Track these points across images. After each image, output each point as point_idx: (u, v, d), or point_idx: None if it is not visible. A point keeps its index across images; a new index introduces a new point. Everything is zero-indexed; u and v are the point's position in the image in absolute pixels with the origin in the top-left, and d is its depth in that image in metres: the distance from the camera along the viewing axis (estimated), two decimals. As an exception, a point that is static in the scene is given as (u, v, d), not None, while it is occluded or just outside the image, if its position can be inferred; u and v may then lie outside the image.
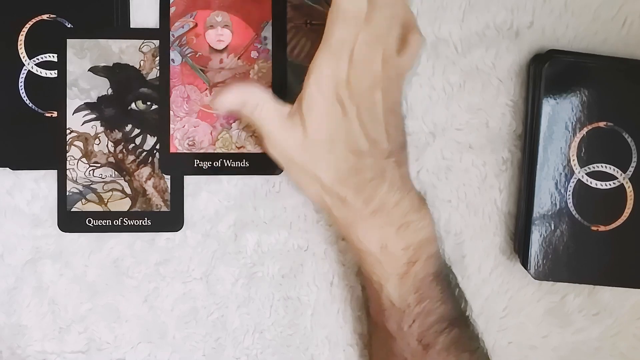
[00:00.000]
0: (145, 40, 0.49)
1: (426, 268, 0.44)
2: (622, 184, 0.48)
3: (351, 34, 0.40)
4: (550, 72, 0.47)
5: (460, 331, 0.45)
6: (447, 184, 0.50)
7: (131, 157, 0.49)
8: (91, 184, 0.49)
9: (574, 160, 0.48)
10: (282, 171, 0.49)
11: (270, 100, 0.43)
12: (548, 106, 0.47)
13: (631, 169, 0.48)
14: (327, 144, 0.42)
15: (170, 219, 0.49)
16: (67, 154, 0.49)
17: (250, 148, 0.49)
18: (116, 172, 0.49)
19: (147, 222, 0.49)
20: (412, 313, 0.43)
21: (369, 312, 0.47)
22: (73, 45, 0.49)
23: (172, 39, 0.49)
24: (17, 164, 0.49)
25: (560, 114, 0.48)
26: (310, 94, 0.42)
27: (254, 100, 0.43)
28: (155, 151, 0.49)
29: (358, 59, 0.41)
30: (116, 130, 0.49)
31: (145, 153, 0.49)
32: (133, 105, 0.49)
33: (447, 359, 0.44)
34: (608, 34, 0.49)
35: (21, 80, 0.49)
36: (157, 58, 0.49)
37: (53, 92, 0.49)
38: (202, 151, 0.49)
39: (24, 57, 0.49)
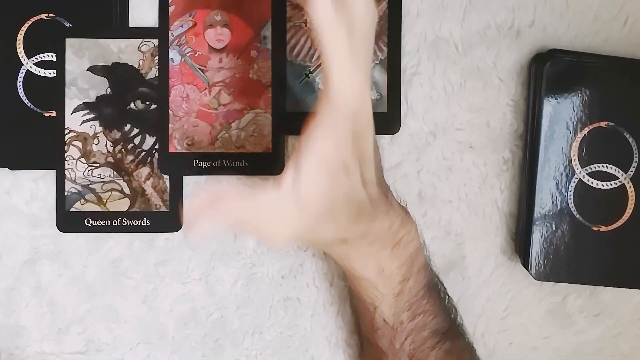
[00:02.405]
0: (144, 40, 0.49)
1: (419, 281, 0.43)
2: (623, 184, 0.48)
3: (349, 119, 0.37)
4: (551, 71, 0.47)
5: (452, 344, 0.44)
6: (447, 184, 0.50)
7: (130, 157, 0.49)
8: (90, 184, 0.49)
9: (575, 160, 0.48)
10: (282, 171, 0.49)
11: (242, 195, 0.38)
12: (549, 106, 0.47)
13: (632, 169, 0.48)
14: (328, 212, 0.38)
15: (169, 219, 0.49)
16: (66, 154, 0.49)
17: (250, 148, 0.49)
18: (115, 172, 0.49)
19: (146, 222, 0.49)
20: (405, 330, 0.43)
21: (360, 329, 0.47)
22: (72, 45, 0.49)
23: (171, 38, 0.49)
24: (15, 164, 0.49)
25: (561, 114, 0.47)
26: (311, 177, 0.37)
27: (230, 210, 0.38)
28: (154, 151, 0.49)
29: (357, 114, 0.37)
30: (115, 130, 0.49)
31: (144, 153, 0.49)
32: (132, 105, 0.49)
33: None
34: (609, 34, 0.49)
35: (20, 79, 0.49)
36: (156, 57, 0.49)
37: (52, 92, 0.49)
38: (201, 151, 0.49)
39: (22, 56, 0.49)
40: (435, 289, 0.44)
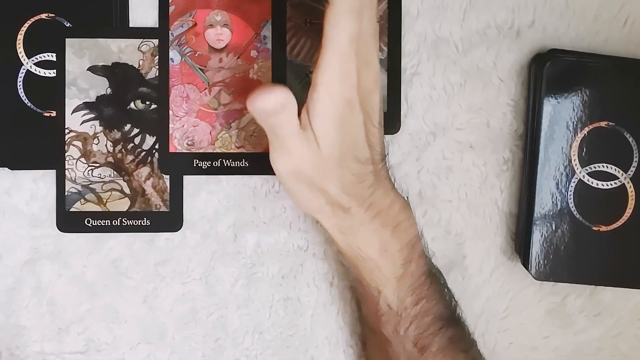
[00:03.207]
0: (145, 40, 0.49)
1: (420, 266, 0.44)
2: (624, 183, 0.48)
3: (357, 29, 0.38)
4: (551, 71, 0.47)
5: (454, 331, 0.44)
6: (447, 184, 0.50)
7: (130, 157, 0.49)
8: (90, 184, 0.49)
9: (575, 160, 0.48)
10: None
11: (296, 108, 0.40)
12: (549, 106, 0.47)
13: (632, 169, 0.48)
14: (338, 157, 0.40)
15: (169, 219, 0.49)
16: (66, 154, 0.49)
17: (250, 148, 0.49)
18: (115, 172, 0.49)
19: (146, 222, 0.49)
20: (410, 315, 0.43)
21: (365, 317, 0.47)
22: (72, 45, 0.49)
23: (171, 38, 0.49)
24: (15, 164, 0.49)
25: (561, 114, 0.47)
26: (322, 103, 0.39)
27: (291, 106, 0.39)
28: (154, 151, 0.49)
29: (362, 59, 0.40)
30: (115, 130, 0.49)
31: (144, 153, 0.49)
32: (132, 105, 0.49)
33: (446, 359, 0.43)
34: (609, 34, 0.49)
35: (20, 79, 0.49)
36: (156, 57, 0.49)
37: (52, 92, 0.49)
38: (201, 151, 0.49)
39: (22, 56, 0.49)
40: (435, 277, 0.45)
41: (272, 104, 0.39)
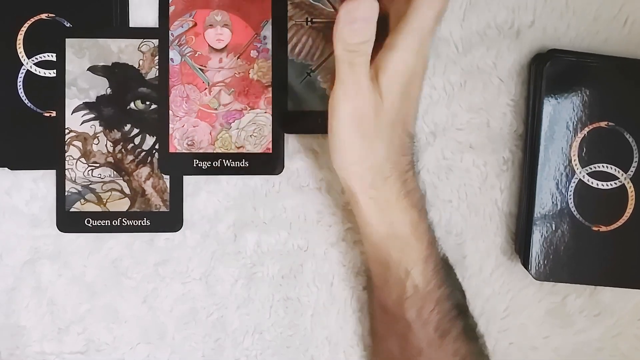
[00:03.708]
0: (145, 40, 0.49)
1: (439, 250, 0.46)
2: (624, 184, 0.48)
3: (444, 8, 0.41)
4: (551, 71, 0.47)
5: (466, 320, 0.46)
6: (447, 184, 0.50)
7: (130, 157, 0.49)
8: (90, 184, 0.49)
9: (575, 160, 0.48)
10: (282, 171, 0.49)
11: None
12: (549, 106, 0.47)
13: (632, 169, 0.48)
14: (394, 120, 0.43)
15: (169, 219, 0.49)
16: (66, 154, 0.49)
17: (250, 148, 0.49)
18: (115, 172, 0.49)
19: (146, 222, 0.49)
20: (433, 299, 0.44)
21: (383, 304, 0.46)
22: (72, 45, 0.49)
23: (171, 38, 0.49)
24: (15, 164, 0.49)
25: (561, 114, 0.47)
26: (395, 65, 0.41)
27: (374, 29, 0.40)
28: (154, 151, 0.49)
29: (432, 35, 0.42)
30: (115, 130, 0.49)
31: (144, 153, 0.49)
32: (132, 105, 0.49)
33: (461, 347, 0.44)
34: (609, 34, 0.49)
35: (20, 79, 0.49)
36: (156, 57, 0.49)
37: (52, 92, 0.49)
38: (201, 151, 0.49)
39: (22, 56, 0.49)
40: (449, 265, 0.47)
41: (367, 6, 0.39)
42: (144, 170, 0.49)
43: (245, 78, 0.49)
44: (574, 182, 0.48)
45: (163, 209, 0.49)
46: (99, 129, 0.49)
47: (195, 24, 0.49)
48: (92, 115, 0.49)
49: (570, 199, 0.48)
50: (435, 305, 0.44)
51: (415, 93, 0.44)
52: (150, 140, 0.49)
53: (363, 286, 0.50)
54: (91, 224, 0.49)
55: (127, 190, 0.49)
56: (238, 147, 0.49)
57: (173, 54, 0.49)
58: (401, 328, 0.45)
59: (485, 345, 0.47)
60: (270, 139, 0.49)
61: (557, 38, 0.49)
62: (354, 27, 0.39)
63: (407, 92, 0.42)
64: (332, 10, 0.49)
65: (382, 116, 0.42)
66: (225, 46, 0.49)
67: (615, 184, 0.48)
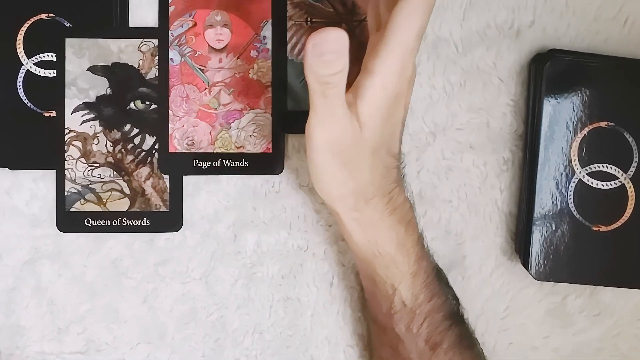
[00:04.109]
0: (144, 40, 0.49)
1: (430, 262, 0.45)
2: (623, 184, 0.48)
3: (424, 26, 0.39)
4: (551, 71, 0.47)
5: (461, 328, 0.45)
6: (447, 184, 0.50)
7: (130, 157, 0.49)
8: (90, 184, 0.49)
9: (575, 160, 0.48)
10: (282, 171, 0.49)
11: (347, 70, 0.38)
12: (549, 106, 0.47)
13: (632, 169, 0.48)
14: (375, 145, 0.41)
15: (169, 219, 0.49)
16: (66, 154, 0.49)
17: (250, 148, 0.49)
18: (115, 172, 0.49)
19: (146, 222, 0.49)
20: (423, 312, 0.44)
21: (374, 316, 0.47)
22: (72, 45, 0.49)
23: (171, 38, 0.49)
24: (15, 164, 0.49)
25: (561, 114, 0.47)
26: (374, 91, 0.39)
27: (346, 60, 0.37)
28: (154, 151, 0.49)
29: (414, 53, 0.40)
30: (115, 130, 0.49)
31: (144, 153, 0.49)
32: (132, 105, 0.49)
33: (453, 358, 0.44)
34: (609, 34, 0.49)
35: (20, 79, 0.49)
36: (156, 57, 0.49)
37: (52, 92, 0.49)
38: (201, 151, 0.49)
39: (22, 56, 0.49)
40: (441, 274, 0.46)
41: (335, 39, 0.36)
42: (144, 170, 0.49)
43: (245, 78, 0.49)
44: (574, 182, 0.48)
45: (163, 209, 0.49)
46: (99, 129, 0.49)
47: (195, 24, 0.49)
48: (92, 115, 0.49)
49: (570, 199, 0.48)
50: (424, 318, 0.43)
51: (399, 115, 0.42)
52: (150, 140, 0.49)
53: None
54: (91, 224, 0.49)
55: (127, 190, 0.49)
56: (238, 147, 0.49)
57: (173, 54, 0.49)
58: (391, 340, 0.44)
59: (482, 351, 0.47)
60: (270, 139, 0.49)
61: (557, 38, 0.49)
62: (324, 60, 0.37)
63: (389, 116, 0.41)
64: (332, 10, 0.49)
65: (361, 143, 0.40)
66: (225, 46, 0.49)
67: (615, 184, 0.48)
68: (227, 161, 0.49)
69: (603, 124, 0.48)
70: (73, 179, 0.49)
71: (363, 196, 0.42)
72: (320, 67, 0.37)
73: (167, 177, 0.49)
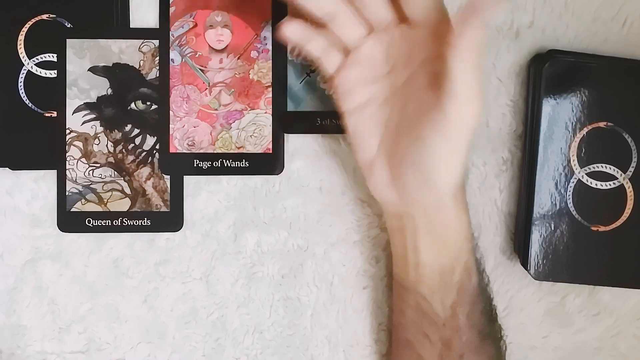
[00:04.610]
0: (145, 40, 0.49)
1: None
2: (622, 184, 0.48)
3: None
4: (550, 72, 0.47)
5: (497, 321, 0.47)
6: (447, 184, 0.50)
7: (131, 157, 0.49)
8: (91, 184, 0.49)
9: (574, 160, 0.48)
10: (282, 171, 0.49)
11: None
12: (548, 106, 0.47)
13: (631, 169, 0.48)
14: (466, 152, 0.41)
15: (170, 219, 0.49)
16: (67, 154, 0.49)
17: (250, 148, 0.49)
18: (116, 172, 0.49)
19: (146, 222, 0.49)
20: (481, 299, 0.44)
21: (430, 314, 0.44)
22: (73, 45, 0.49)
23: (171, 38, 0.49)
24: (16, 164, 0.49)
25: (560, 114, 0.48)
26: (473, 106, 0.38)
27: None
28: (155, 151, 0.49)
29: None
30: (116, 130, 0.49)
31: (144, 153, 0.49)
32: (133, 105, 0.49)
33: (491, 349, 0.45)
34: (608, 34, 0.49)
35: (21, 80, 0.49)
36: (157, 58, 0.49)
37: (53, 92, 0.49)
38: (201, 151, 0.49)
39: (23, 57, 0.49)
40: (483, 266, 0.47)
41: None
42: (145, 171, 0.49)
43: (246, 78, 0.49)
44: (573, 182, 0.48)
45: (163, 209, 0.49)
46: (100, 129, 0.49)
47: (196, 25, 0.49)
48: (93, 116, 0.49)
49: (569, 199, 0.48)
50: (480, 306, 0.44)
51: None
52: (150, 141, 0.49)
53: (363, 286, 0.50)
54: (92, 224, 0.49)
55: (127, 190, 0.49)
56: (238, 148, 0.49)
57: (173, 54, 0.49)
58: (447, 333, 0.43)
59: (506, 347, 0.47)
60: (270, 139, 0.49)
61: (556, 39, 0.49)
62: None
63: None
64: (332, 11, 0.49)
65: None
66: (226, 47, 0.49)
67: (614, 184, 0.48)
68: (227, 161, 0.49)
69: (602, 124, 0.48)
70: (74, 179, 0.49)
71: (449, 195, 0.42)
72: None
73: (168, 177, 0.49)
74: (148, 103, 0.49)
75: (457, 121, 0.38)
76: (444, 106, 0.37)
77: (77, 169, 0.49)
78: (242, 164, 0.49)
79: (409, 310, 0.45)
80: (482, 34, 0.35)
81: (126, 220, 0.49)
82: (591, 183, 0.48)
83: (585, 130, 0.48)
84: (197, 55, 0.49)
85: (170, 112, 0.49)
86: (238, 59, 0.49)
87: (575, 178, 0.48)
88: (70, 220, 0.49)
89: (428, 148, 0.39)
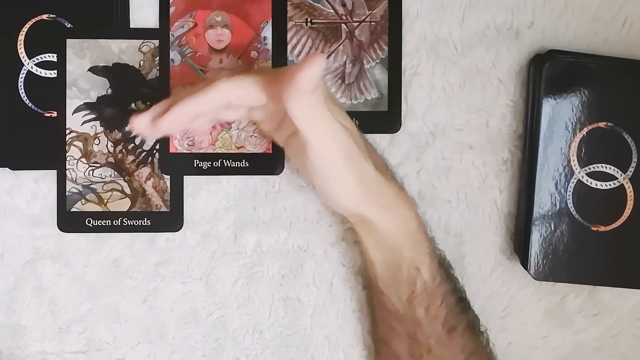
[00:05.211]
0: (145, 40, 0.49)
1: (435, 248, 0.47)
2: (622, 184, 0.48)
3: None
4: (550, 72, 0.47)
5: (471, 314, 0.47)
6: (447, 184, 0.50)
7: (131, 157, 0.49)
8: (91, 184, 0.49)
9: (574, 160, 0.48)
10: (282, 171, 0.49)
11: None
12: (548, 106, 0.47)
13: (631, 169, 0.48)
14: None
15: (170, 219, 0.49)
16: (67, 154, 0.49)
17: (250, 148, 0.49)
18: (116, 172, 0.49)
19: (146, 222, 0.49)
20: (440, 293, 0.45)
21: (391, 306, 0.46)
22: (73, 45, 0.49)
23: (171, 39, 0.49)
24: (16, 164, 0.49)
25: (560, 114, 0.48)
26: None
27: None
28: (154, 151, 0.49)
29: None
30: (116, 130, 0.49)
31: (144, 153, 0.49)
32: (133, 105, 0.49)
33: (468, 342, 0.45)
34: (608, 34, 0.49)
35: (21, 80, 0.49)
36: (157, 58, 0.49)
37: (53, 92, 0.49)
38: (201, 151, 0.49)
39: (23, 57, 0.49)
40: (447, 261, 0.48)
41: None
42: (145, 171, 0.49)
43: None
44: (573, 182, 0.48)
45: (163, 209, 0.49)
46: (100, 129, 0.49)
47: (196, 25, 0.49)
48: (93, 116, 0.49)
49: (569, 199, 0.48)
50: (442, 300, 0.45)
51: None
52: (150, 141, 0.49)
53: (363, 286, 0.50)
54: (92, 224, 0.49)
55: (127, 191, 0.49)
56: (238, 148, 0.49)
57: (173, 54, 0.49)
58: (409, 327, 0.45)
59: (488, 341, 0.47)
60: (270, 139, 0.49)
61: (556, 39, 0.49)
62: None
63: None
64: (332, 11, 0.49)
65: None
66: (226, 47, 0.49)
67: (614, 184, 0.48)
68: (227, 161, 0.49)
69: (602, 124, 0.48)
70: (74, 179, 0.49)
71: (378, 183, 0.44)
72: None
73: (168, 177, 0.49)
74: (148, 103, 0.49)
75: (321, 162, 0.42)
76: (307, 154, 0.41)
77: (77, 169, 0.49)
78: (242, 164, 0.49)
79: (377, 308, 0.48)
80: (310, 77, 0.37)
81: (126, 220, 0.49)
82: (591, 183, 0.48)
83: (585, 130, 0.48)
84: (197, 55, 0.49)
85: (170, 112, 0.49)
86: (238, 59, 0.49)
87: (575, 178, 0.48)
88: (70, 220, 0.49)
89: (316, 183, 0.44)
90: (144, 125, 0.42)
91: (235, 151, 0.49)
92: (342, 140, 0.42)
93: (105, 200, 0.49)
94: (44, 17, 0.49)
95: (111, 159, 0.49)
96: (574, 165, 0.48)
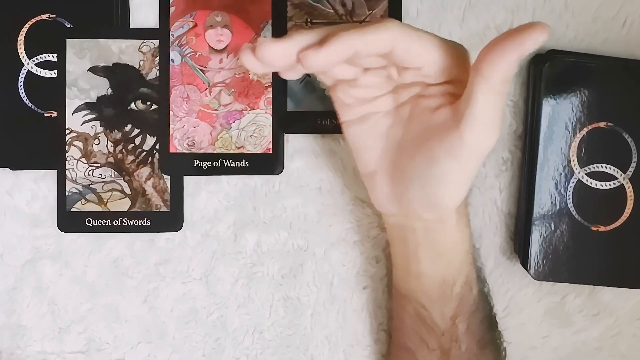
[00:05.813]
0: (145, 40, 0.49)
1: None
2: (622, 184, 0.48)
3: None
4: (550, 72, 0.47)
5: (497, 329, 0.47)
6: (447, 184, 0.50)
7: (131, 157, 0.49)
8: (91, 184, 0.49)
9: (574, 160, 0.48)
10: (282, 171, 0.49)
11: None
12: (548, 106, 0.47)
13: (631, 169, 0.48)
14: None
15: (169, 219, 0.49)
16: (67, 154, 0.49)
17: (250, 148, 0.49)
18: (116, 172, 0.49)
19: (146, 222, 0.49)
20: (480, 308, 0.44)
21: (429, 323, 0.44)
22: (73, 45, 0.49)
23: (171, 38, 0.49)
24: (16, 164, 0.49)
25: (560, 114, 0.48)
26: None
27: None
28: (154, 151, 0.49)
29: None
30: (116, 130, 0.49)
31: (144, 153, 0.49)
32: (133, 105, 0.49)
33: (497, 357, 0.45)
34: (608, 34, 0.49)
35: (21, 80, 0.49)
36: (157, 58, 0.49)
37: (53, 92, 0.49)
38: (201, 151, 0.49)
39: (23, 57, 0.49)
40: (483, 274, 0.48)
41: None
42: (145, 171, 0.49)
43: (246, 79, 0.49)
44: (573, 182, 0.48)
45: (163, 209, 0.49)
46: (100, 129, 0.49)
47: (196, 25, 0.49)
48: (93, 116, 0.49)
49: (569, 199, 0.48)
50: (483, 316, 0.44)
51: None
52: (150, 141, 0.49)
53: (363, 286, 0.50)
54: (92, 224, 0.49)
55: (127, 191, 0.49)
56: (238, 148, 0.49)
57: (173, 54, 0.49)
58: (446, 343, 0.43)
59: (506, 354, 0.47)
60: (270, 139, 0.49)
61: (556, 39, 0.49)
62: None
63: None
64: (332, 11, 0.49)
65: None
66: (226, 47, 0.49)
67: (614, 184, 0.48)
68: (227, 161, 0.49)
69: (602, 124, 0.48)
70: (74, 179, 0.49)
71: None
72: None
73: (168, 177, 0.49)
74: (148, 103, 0.49)
75: (473, 147, 0.37)
76: (462, 131, 0.36)
77: (77, 169, 0.49)
78: (242, 164, 0.49)
79: (407, 318, 0.45)
80: (515, 67, 0.34)
81: (126, 220, 0.49)
82: (591, 183, 0.48)
83: (585, 130, 0.48)
84: (197, 55, 0.49)
85: (170, 112, 0.49)
86: (238, 59, 0.49)
87: (575, 178, 0.48)
88: (70, 220, 0.49)
89: (438, 169, 0.38)
90: (286, 57, 0.34)
91: (235, 151, 0.49)
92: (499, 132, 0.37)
93: (105, 200, 0.49)
94: (44, 17, 0.49)
95: (111, 159, 0.49)
96: (574, 165, 0.48)
